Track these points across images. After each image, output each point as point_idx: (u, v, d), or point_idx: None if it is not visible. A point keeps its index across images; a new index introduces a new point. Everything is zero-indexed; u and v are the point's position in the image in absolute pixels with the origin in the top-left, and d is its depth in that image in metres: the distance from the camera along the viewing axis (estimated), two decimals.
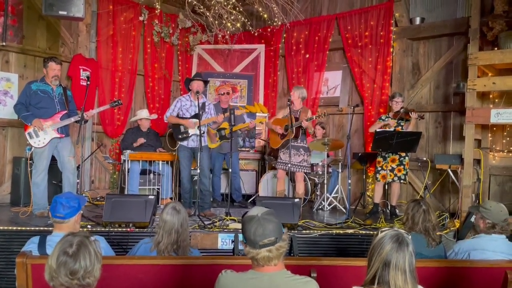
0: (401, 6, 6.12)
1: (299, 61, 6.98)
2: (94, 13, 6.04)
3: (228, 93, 5.72)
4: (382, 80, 6.21)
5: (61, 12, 4.42)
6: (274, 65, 7.19)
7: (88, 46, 5.93)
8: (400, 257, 1.67)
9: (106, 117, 6.14)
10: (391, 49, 6.14)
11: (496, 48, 5.01)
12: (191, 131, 4.81)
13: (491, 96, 5.30)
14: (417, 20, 6.04)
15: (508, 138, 5.35)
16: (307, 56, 6.90)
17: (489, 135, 5.39)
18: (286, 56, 7.10)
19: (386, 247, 1.69)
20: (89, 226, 3.91)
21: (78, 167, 4.64)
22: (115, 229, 3.83)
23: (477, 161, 5.13)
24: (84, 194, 5.21)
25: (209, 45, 7.03)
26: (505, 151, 5.33)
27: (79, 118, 4.42)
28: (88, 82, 4.62)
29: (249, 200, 5.92)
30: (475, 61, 4.91)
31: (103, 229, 3.83)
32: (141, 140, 5.45)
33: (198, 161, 4.62)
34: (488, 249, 2.74)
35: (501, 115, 4.69)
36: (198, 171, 4.63)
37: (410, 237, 1.75)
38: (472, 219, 4.01)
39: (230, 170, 4.99)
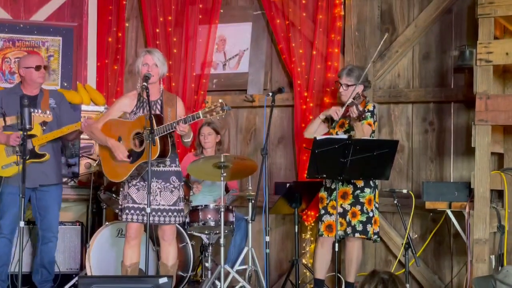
0: None
1: (168, 3, 6.74)
2: None
3: (46, 67, 5.62)
4: (327, 42, 6.19)
5: None
6: (119, 9, 6.95)
7: None
8: None
9: None
10: None
11: None
12: None
13: None
14: None
15: None
16: None
17: None
18: None
19: None
20: None
21: None
22: None
23: (498, 193, 5.23)
24: None
25: None
26: None
27: None
28: None
29: (66, 287, 5.72)
30: (491, 9, 4.96)
31: None
32: None
33: None
34: None
35: None
36: None
37: None
38: None
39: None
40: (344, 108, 5.22)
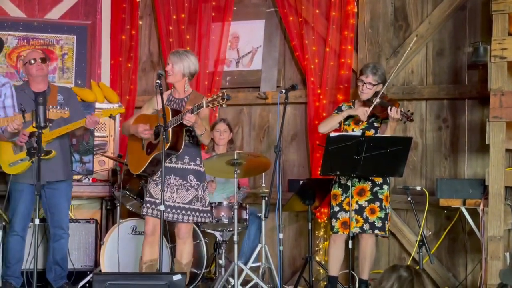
0: None
1: (181, 1, 6.79)
2: None
3: (43, 60, 5.53)
4: (340, 39, 6.21)
5: None
6: (132, 7, 6.97)
7: None
8: None
9: None
10: None
11: None
12: None
13: None
14: None
15: None
16: None
17: None
18: None
19: None
20: None
21: None
22: None
23: None
24: None
25: None
26: None
27: None
28: None
29: (80, 285, 5.70)
30: (505, 5, 4.97)
31: None
32: None
33: None
34: None
35: None
36: None
37: None
38: None
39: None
40: (371, 109, 5.18)
